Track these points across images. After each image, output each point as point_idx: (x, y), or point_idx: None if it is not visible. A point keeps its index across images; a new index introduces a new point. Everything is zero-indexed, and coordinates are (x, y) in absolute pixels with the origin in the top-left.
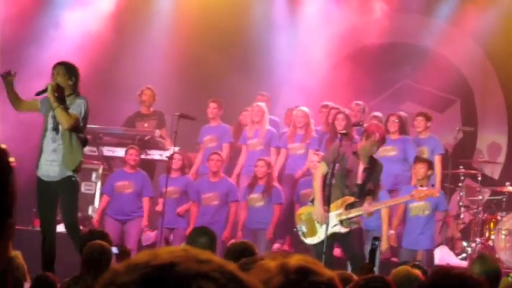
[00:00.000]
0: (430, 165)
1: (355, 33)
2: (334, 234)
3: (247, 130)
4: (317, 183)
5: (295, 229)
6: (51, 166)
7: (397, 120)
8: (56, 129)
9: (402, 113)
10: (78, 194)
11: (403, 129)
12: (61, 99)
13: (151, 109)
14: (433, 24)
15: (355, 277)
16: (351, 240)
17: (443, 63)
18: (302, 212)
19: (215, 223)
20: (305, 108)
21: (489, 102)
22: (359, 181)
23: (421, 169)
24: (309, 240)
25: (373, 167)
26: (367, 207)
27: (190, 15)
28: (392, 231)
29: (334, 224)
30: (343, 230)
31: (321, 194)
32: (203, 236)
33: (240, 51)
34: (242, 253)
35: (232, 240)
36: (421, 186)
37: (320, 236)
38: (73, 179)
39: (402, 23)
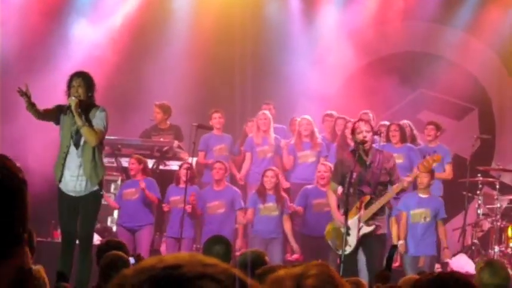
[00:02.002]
0: (432, 174)
1: (371, 43)
2: (362, 237)
3: (253, 137)
4: (330, 200)
5: (330, 245)
6: (77, 181)
7: (397, 130)
8: (78, 144)
9: (405, 122)
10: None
11: (403, 137)
12: (82, 114)
13: (168, 123)
14: (450, 33)
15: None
16: (373, 246)
17: (460, 72)
18: (329, 228)
19: (223, 231)
20: (308, 117)
21: (507, 110)
22: (369, 179)
23: (424, 178)
24: (344, 251)
25: (377, 159)
26: (407, 178)
27: (206, 30)
28: (401, 241)
29: (360, 227)
30: (368, 228)
31: (335, 206)
32: (219, 244)
33: (255, 62)
34: (254, 262)
35: (243, 250)
36: (423, 194)
37: (351, 244)
38: (99, 192)
39: (419, 32)
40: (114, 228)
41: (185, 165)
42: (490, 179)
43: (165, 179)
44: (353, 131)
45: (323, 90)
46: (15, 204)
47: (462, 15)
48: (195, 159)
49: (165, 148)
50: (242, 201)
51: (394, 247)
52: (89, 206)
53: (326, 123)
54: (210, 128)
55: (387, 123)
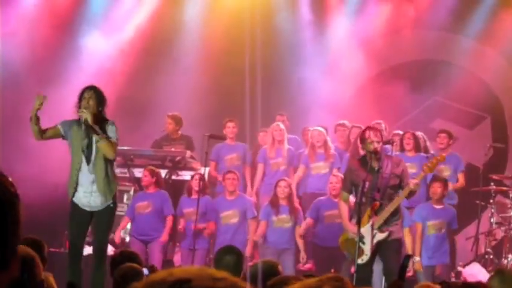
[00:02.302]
0: (446, 184)
1: (383, 52)
2: (376, 244)
3: (267, 149)
4: (340, 210)
5: (346, 256)
6: (92, 197)
7: (411, 138)
8: (89, 159)
9: (418, 133)
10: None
11: (418, 147)
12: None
13: (179, 133)
14: (462, 42)
15: None
16: (388, 253)
17: (472, 80)
18: (342, 239)
19: (236, 241)
20: (320, 128)
21: None
22: (379, 184)
23: (438, 188)
24: (360, 261)
25: (386, 164)
26: (410, 180)
27: (216, 41)
28: (418, 258)
29: (374, 235)
30: (382, 235)
31: (347, 216)
32: (230, 254)
33: (267, 72)
34: (266, 273)
35: (255, 260)
36: (438, 205)
37: (367, 252)
38: (113, 206)
39: (430, 40)
40: (127, 239)
41: (197, 176)
42: (504, 188)
43: (178, 189)
44: (362, 140)
45: (335, 99)
46: (7, 217)
47: (474, 24)
48: (207, 169)
49: (178, 158)
50: (255, 210)
51: (408, 257)
52: (104, 219)
53: (338, 132)
54: (223, 138)
55: (401, 132)
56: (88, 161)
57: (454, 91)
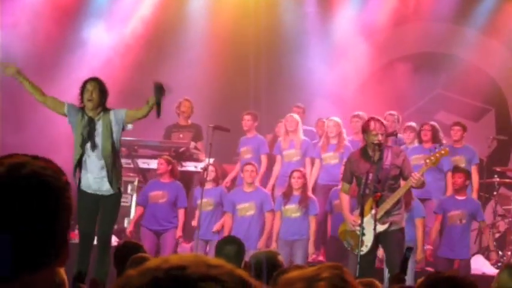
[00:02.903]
0: (467, 175)
1: (388, 44)
2: (377, 236)
3: (281, 141)
4: (341, 201)
5: (345, 246)
6: (102, 182)
7: (429, 129)
8: (95, 146)
9: (434, 123)
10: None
11: (435, 138)
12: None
13: (190, 121)
14: (467, 34)
15: (378, 284)
16: (390, 244)
17: (477, 73)
18: (342, 229)
19: (252, 233)
20: (337, 118)
21: None
22: (379, 175)
23: (459, 179)
24: (360, 252)
25: (386, 155)
26: (412, 174)
27: (224, 30)
28: (429, 246)
29: (374, 227)
30: (383, 227)
31: (347, 207)
32: (230, 244)
33: (273, 64)
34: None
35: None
36: (459, 196)
37: (367, 244)
38: (119, 193)
39: (435, 32)
40: (129, 228)
41: (210, 167)
42: (507, 180)
43: (182, 180)
44: (366, 131)
45: (340, 91)
46: (59, 205)
47: (479, 16)
48: (212, 160)
49: (182, 149)
50: (272, 202)
51: (409, 249)
52: (110, 207)
53: (353, 124)
54: (227, 130)
55: (414, 124)
56: (94, 148)
57: (458, 83)
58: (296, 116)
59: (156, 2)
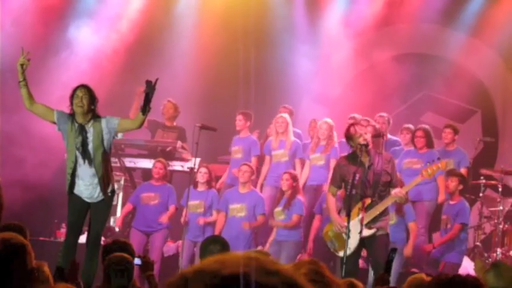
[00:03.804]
0: (461, 179)
1: (375, 45)
2: (362, 240)
3: (271, 141)
4: (328, 203)
5: (329, 246)
6: (93, 189)
7: (423, 136)
8: (87, 155)
9: (427, 127)
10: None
11: (429, 144)
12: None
13: (174, 123)
14: (453, 35)
15: (360, 285)
16: (376, 248)
17: (463, 74)
18: (327, 229)
19: (240, 234)
20: (330, 120)
21: (510, 112)
22: (370, 180)
23: (451, 183)
24: (342, 254)
25: (377, 161)
26: (397, 191)
27: (209, 33)
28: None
29: (359, 231)
30: (369, 232)
31: (335, 209)
32: (214, 244)
33: (260, 64)
34: None
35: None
36: (452, 200)
37: (351, 247)
38: (111, 195)
39: (423, 34)
40: (118, 225)
41: (202, 169)
42: (493, 182)
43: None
44: (350, 137)
45: (326, 92)
46: None
47: (466, 18)
48: (198, 159)
49: (169, 148)
50: (265, 206)
51: (393, 250)
52: (102, 209)
53: None
54: (213, 129)
55: (411, 126)
56: (85, 157)
57: (445, 85)
58: (287, 117)
59: (144, 1)
